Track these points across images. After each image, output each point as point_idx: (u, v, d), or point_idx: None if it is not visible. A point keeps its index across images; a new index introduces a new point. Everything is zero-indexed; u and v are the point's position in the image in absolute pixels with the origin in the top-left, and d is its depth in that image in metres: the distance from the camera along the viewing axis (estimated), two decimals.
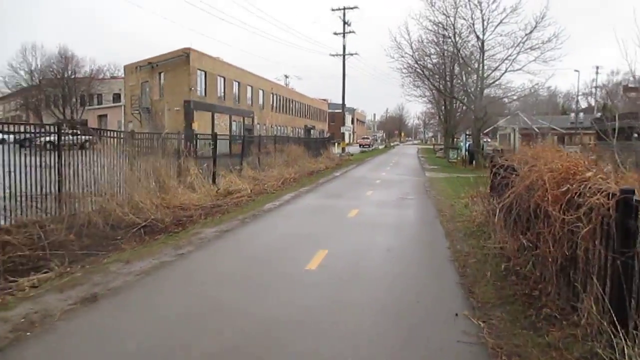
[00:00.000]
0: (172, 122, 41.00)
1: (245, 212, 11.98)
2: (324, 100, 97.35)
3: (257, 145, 23.88)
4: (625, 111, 56.57)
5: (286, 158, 26.04)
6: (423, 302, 5.39)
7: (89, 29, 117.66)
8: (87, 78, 65.99)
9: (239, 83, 51.89)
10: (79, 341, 4.33)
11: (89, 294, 5.49)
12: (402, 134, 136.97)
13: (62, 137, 10.27)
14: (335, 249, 7.86)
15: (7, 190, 8.54)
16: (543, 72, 30.38)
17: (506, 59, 28.86)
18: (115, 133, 12.83)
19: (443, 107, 49.27)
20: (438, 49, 32.71)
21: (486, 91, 31.04)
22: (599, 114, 69.68)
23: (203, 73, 44.53)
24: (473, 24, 29.14)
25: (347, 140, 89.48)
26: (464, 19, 29.20)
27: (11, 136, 9.74)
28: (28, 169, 8.82)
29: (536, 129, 48.70)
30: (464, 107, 41.71)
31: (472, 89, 30.89)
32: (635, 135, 21.12)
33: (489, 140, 45.29)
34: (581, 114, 68.94)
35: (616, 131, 11.49)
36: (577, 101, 78.44)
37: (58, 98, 65.73)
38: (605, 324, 3.63)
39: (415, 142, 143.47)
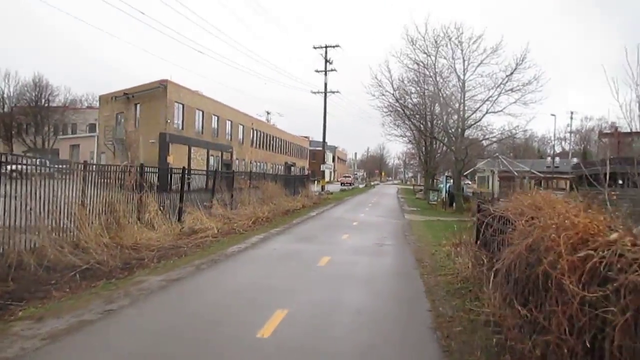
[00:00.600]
0: (147, 155, 39.76)
1: (205, 255, 10.70)
2: (306, 137, 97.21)
3: (231, 181, 22.73)
4: (599, 156, 57.27)
5: (261, 195, 24.89)
6: None
7: (67, 59, 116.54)
8: (61, 107, 64.68)
9: (218, 117, 51.05)
10: None
11: None
12: (383, 174, 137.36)
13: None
14: (296, 308, 6.62)
15: None
16: (524, 115, 29.98)
17: (487, 99, 28.64)
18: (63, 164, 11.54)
19: (423, 148, 48.96)
20: (419, 89, 32.44)
21: (467, 132, 30.61)
22: (575, 159, 70.85)
23: (181, 106, 43.63)
24: (454, 64, 29.00)
25: (327, 179, 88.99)
26: (445, 58, 29.10)
27: None
28: None
29: (515, 172, 48.78)
30: (445, 148, 41.38)
31: (453, 130, 30.42)
32: (620, 182, 20.49)
33: (470, 182, 44.89)
34: (557, 158, 69.70)
35: (607, 176, 10.58)
36: (554, 145, 79.56)
37: (30, 126, 64.05)
38: None
39: (396, 181, 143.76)
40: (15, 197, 9.04)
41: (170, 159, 39.19)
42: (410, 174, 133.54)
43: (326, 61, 48.45)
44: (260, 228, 16.80)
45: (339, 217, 22.71)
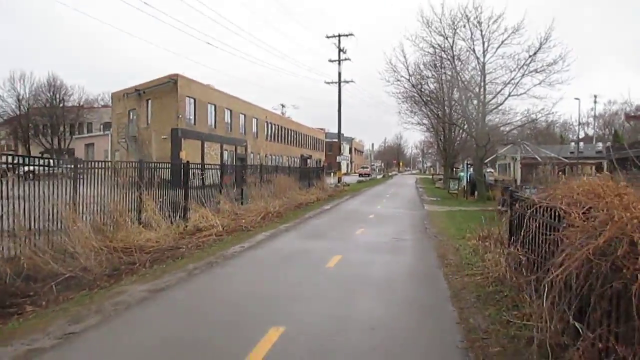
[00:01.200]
0: (160, 151, 39.14)
1: (203, 257, 9.66)
2: (321, 129, 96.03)
3: (240, 175, 21.72)
4: (630, 139, 54.81)
5: (273, 189, 23.85)
6: None
7: (82, 58, 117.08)
8: (76, 107, 64.67)
9: (231, 111, 50.16)
10: None
11: None
12: (401, 164, 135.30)
13: None
14: (295, 326, 5.47)
15: None
16: (549, 97, 28.15)
17: (509, 82, 26.93)
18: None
19: (442, 135, 47.35)
20: (435, 73, 30.89)
21: (488, 117, 28.99)
22: (599, 144, 68.20)
23: (192, 100, 42.82)
24: (473, 45, 27.36)
25: (345, 170, 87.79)
26: (463, 40, 27.47)
27: None
28: None
29: (539, 159, 46.82)
30: (464, 135, 39.71)
31: (474, 115, 28.83)
32: None
33: (492, 170, 43.20)
34: (581, 143, 67.30)
35: None
36: (579, 130, 76.84)
37: (46, 127, 64.22)
38: None
39: (414, 171, 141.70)
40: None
41: (182, 155, 38.46)
42: (429, 164, 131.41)
43: (340, 50, 47.17)
44: (270, 224, 15.72)
45: (354, 210, 21.50)
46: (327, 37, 47.73)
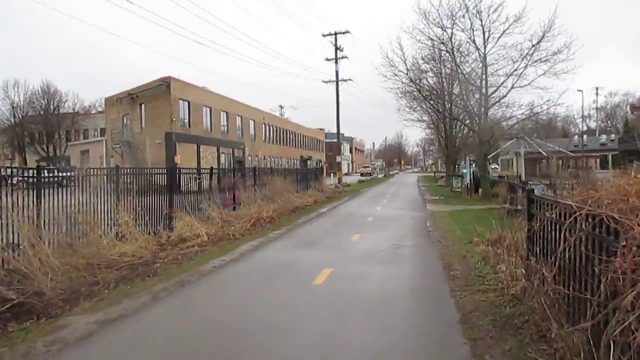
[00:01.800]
0: (155, 156, 38.19)
1: (176, 275, 8.52)
2: (321, 129, 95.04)
3: (232, 178, 20.65)
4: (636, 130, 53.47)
5: (268, 193, 22.74)
6: None
7: (77, 65, 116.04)
8: (70, 113, 63.71)
9: (227, 113, 49.17)
10: None
11: None
12: (402, 162, 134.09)
13: None
14: None
15: None
16: (555, 87, 26.78)
17: (512, 73, 25.64)
18: None
19: (443, 132, 46.14)
20: (434, 68, 29.65)
21: (491, 111, 27.74)
22: (603, 136, 66.94)
23: (186, 103, 41.84)
24: (473, 36, 26.04)
25: (345, 170, 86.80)
26: (463, 30, 26.17)
27: None
28: None
29: (544, 153, 45.61)
30: (465, 131, 38.46)
31: (476, 109, 27.57)
32: None
33: (497, 166, 42.01)
34: (585, 136, 66.15)
35: None
36: (583, 121, 75.51)
37: (42, 134, 63.31)
38: None
39: (416, 170, 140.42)
40: None
41: (177, 159, 37.45)
42: (431, 161, 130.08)
43: (336, 48, 46.20)
44: (260, 231, 14.58)
45: (352, 213, 20.27)
46: (324, 35, 46.78)
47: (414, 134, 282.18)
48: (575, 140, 64.03)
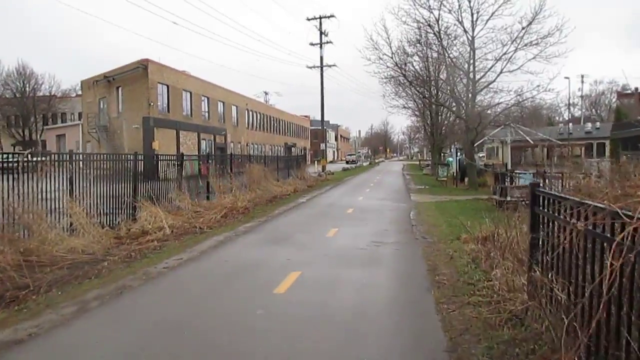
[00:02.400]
0: (132, 141, 36.68)
1: (120, 277, 7.46)
2: (306, 117, 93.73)
3: (205, 166, 19.51)
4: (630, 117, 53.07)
5: (245, 181, 21.65)
6: None
7: (55, 48, 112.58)
8: (47, 97, 61.64)
9: (208, 98, 47.65)
10: None
11: None
12: (388, 150, 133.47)
13: None
14: None
15: None
16: (546, 71, 25.85)
17: (501, 57, 24.69)
18: None
19: (429, 119, 45.23)
20: (421, 52, 28.58)
21: (478, 97, 26.83)
22: (588, 124, 66.56)
23: (165, 87, 40.28)
24: (461, 18, 24.95)
25: (331, 158, 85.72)
26: (450, 11, 25.04)
27: None
28: None
29: (531, 141, 44.99)
30: (452, 118, 37.58)
31: (463, 95, 26.60)
32: None
33: (484, 154, 41.24)
34: (570, 124, 65.81)
35: None
36: (569, 110, 75.23)
37: (18, 118, 61.25)
38: None
39: (401, 158, 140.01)
40: None
41: (155, 145, 36.12)
42: (416, 149, 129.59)
43: (321, 33, 44.98)
44: (230, 223, 13.54)
45: (332, 204, 19.26)
46: (308, 19, 45.53)
47: (400, 121, 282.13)
48: (560, 129, 63.61)
